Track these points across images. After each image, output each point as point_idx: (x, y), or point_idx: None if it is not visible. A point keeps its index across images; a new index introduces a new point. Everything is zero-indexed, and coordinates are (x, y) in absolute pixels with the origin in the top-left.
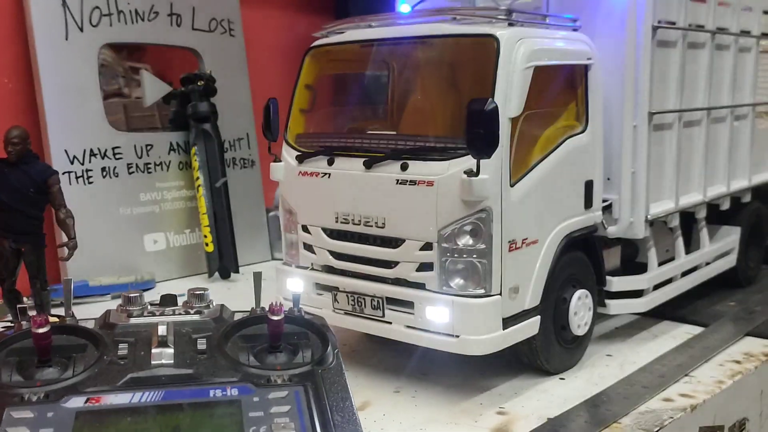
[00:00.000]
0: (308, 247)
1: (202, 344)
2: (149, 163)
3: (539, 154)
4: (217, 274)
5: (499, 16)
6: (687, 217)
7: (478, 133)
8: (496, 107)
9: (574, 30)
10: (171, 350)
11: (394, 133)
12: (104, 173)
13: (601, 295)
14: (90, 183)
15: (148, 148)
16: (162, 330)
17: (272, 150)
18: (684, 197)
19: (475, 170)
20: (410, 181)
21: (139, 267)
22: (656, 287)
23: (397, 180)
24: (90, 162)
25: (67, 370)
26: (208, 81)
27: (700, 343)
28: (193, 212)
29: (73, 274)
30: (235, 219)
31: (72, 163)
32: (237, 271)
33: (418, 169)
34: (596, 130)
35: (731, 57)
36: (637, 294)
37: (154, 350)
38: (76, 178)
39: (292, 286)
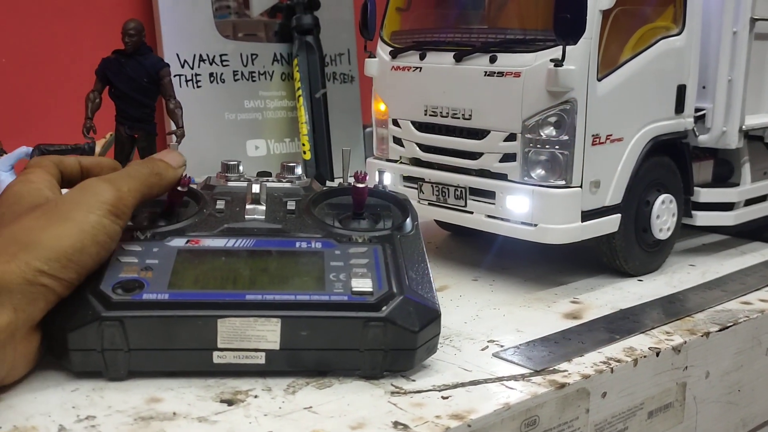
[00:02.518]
0: (397, 141)
1: (291, 205)
2: (254, 72)
3: (630, 51)
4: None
5: None
6: None
7: (564, 18)
8: None
9: None
10: (263, 207)
11: (485, 27)
12: (212, 78)
13: (687, 205)
14: (198, 87)
15: (253, 57)
16: (256, 189)
17: (368, 48)
18: None
19: (560, 58)
20: (498, 73)
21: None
22: (748, 204)
23: (486, 72)
24: (199, 67)
25: (172, 220)
26: None
27: None
28: (293, 122)
29: None
30: (332, 132)
31: (182, 66)
32: (332, 180)
33: (506, 61)
34: (693, 34)
35: None
36: (726, 207)
37: (248, 206)
38: (186, 81)
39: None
